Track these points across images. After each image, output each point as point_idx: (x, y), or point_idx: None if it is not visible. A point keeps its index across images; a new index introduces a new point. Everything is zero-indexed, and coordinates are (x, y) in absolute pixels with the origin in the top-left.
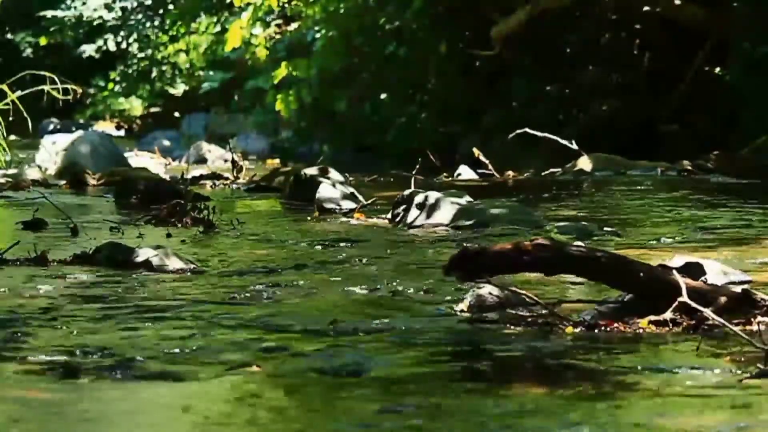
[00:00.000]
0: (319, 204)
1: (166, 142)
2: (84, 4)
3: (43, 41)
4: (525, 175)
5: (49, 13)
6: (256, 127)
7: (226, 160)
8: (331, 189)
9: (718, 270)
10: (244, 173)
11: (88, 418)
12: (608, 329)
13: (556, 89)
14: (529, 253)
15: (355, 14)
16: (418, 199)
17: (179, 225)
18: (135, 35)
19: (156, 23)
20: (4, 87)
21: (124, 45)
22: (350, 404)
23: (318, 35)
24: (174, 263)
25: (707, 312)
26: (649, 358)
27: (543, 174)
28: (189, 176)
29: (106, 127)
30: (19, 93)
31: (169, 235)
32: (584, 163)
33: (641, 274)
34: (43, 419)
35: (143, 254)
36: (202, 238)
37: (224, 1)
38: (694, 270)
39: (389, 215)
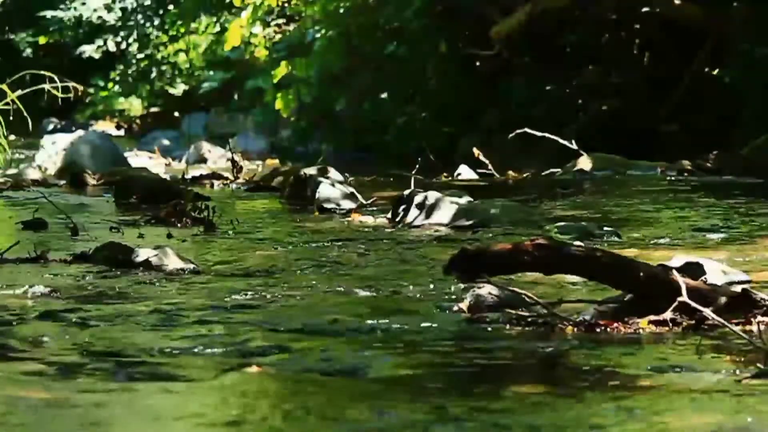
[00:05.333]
0: (319, 204)
1: (166, 142)
2: (84, 4)
3: (42, 41)
4: (525, 175)
5: (48, 14)
6: (256, 127)
7: (226, 160)
8: (330, 189)
9: (718, 270)
10: (244, 173)
11: (87, 418)
12: (608, 329)
13: (556, 89)
14: (528, 253)
15: (355, 14)
16: (418, 199)
17: (179, 225)
18: (135, 35)
19: (156, 23)
20: (4, 87)
21: (123, 45)
22: (350, 404)
23: (318, 35)
24: (174, 263)
25: (707, 312)
26: (649, 358)
27: (543, 174)
28: (189, 176)
29: (106, 127)
30: (19, 92)
31: (169, 236)
32: (584, 163)
33: (641, 274)
34: (43, 419)
35: (143, 254)
36: (202, 238)
37: (224, 1)
38: (694, 270)
39: (389, 215)
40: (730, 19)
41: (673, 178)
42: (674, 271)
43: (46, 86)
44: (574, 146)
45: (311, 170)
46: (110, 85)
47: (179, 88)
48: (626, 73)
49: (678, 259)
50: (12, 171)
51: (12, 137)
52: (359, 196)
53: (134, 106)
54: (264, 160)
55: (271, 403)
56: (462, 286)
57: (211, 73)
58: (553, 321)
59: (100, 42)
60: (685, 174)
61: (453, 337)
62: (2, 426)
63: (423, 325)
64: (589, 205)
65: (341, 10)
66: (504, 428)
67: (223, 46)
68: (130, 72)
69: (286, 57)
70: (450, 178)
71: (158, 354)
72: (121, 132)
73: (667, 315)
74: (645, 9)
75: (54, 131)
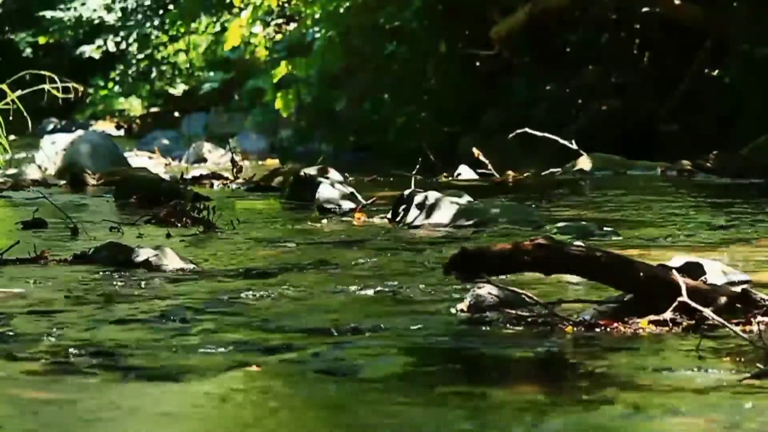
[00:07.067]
0: (319, 204)
1: (166, 142)
2: (84, 4)
3: (42, 41)
4: (525, 175)
5: (48, 14)
6: (256, 127)
7: (226, 160)
8: (330, 189)
9: (717, 270)
10: (244, 173)
11: (87, 418)
12: (608, 329)
13: (556, 89)
14: (528, 253)
15: (355, 14)
16: (418, 199)
17: (179, 225)
18: (135, 35)
19: (156, 23)
20: (4, 87)
21: (123, 45)
22: (350, 404)
23: (318, 35)
24: (174, 263)
25: (707, 312)
26: (649, 358)
27: (543, 174)
28: (189, 176)
29: (106, 127)
30: (19, 92)
31: (169, 236)
32: (584, 163)
33: (641, 274)
34: (43, 419)
35: (143, 254)
36: (202, 238)
37: (224, 1)
38: (694, 270)
39: (389, 215)
40: (730, 19)
41: (673, 179)
42: (674, 271)
43: (46, 86)
44: (574, 146)
45: (311, 170)
46: (110, 85)
47: (179, 88)
48: (626, 73)
49: (678, 259)
50: (12, 171)
51: (12, 137)
52: (359, 196)
53: (134, 106)
54: (264, 160)
55: (271, 403)
56: (462, 286)
57: (212, 73)
58: (553, 321)
59: (100, 42)
60: (685, 174)
61: (453, 337)
62: (2, 426)
63: (423, 325)
64: (589, 205)
65: (341, 10)
66: (504, 428)
67: (223, 46)
68: (130, 72)
69: (286, 57)
70: (450, 178)
71: (158, 354)
72: (121, 132)
73: (667, 315)
74: (645, 9)
75: (54, 131)
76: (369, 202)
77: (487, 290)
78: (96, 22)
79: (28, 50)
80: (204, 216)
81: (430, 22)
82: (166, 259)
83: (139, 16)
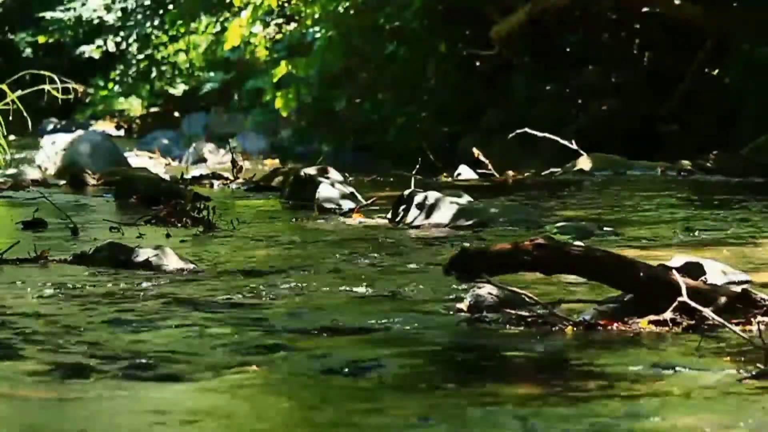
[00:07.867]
0: (319, 204)
1: (166, 142)
2: (84, 5)
3: (42, 40)
4: (525, 175)
5: (48, 14)
6: (256, 127)
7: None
8: (330, 189)
9: (717, 270)
10: (244, 173)
11: (87, 418)
12: (608, 329)
13: (555, 89)
14: (528, 252)
15: (355, 14)
16: (418, 198)
17: (179, 225)
18: (135, 35)
19: (156, 23)
20: (4, 87)
21: (123, 45)
22: (350, 404)
23: (318, 35)
24: (174, 263)
25: (707, 312)
26: (649, 358)
27: (543, 174)
28: (189, 176)
29: (106, 127)
30: (19, 93)
31: (168, 236)
32: (584, 163)
33: (641, 274)
34: (43, 419)
35: (143, 254)
36: (202, 238)
37: (224, 1)
38: (694, 270)
39: (389, 215)
40: (730, 19)
41: (673, 179)
42: (674, 271)
43: (46, 86)
44: (574, 146)
45: (311, 170)
46: (110, 85)
47: (179, 88)
48: (626, 73)
49: (678, 259)
50: (12, 171)
51: (12, 137)
52: (359, 196)
53: (134, 106)
54: (264, 160)
55: (271, 403)
56: (462, 286)
57: (212, 73)
58: (553, 321)
59: (100, 42)
60: (685, 174)
61: (453, 337)
62: (3, 426)
63: (423, 325)
64: (589, 205)
65: (341, 10)
66: (504, 428)
67: (223, 46)
68: (130, 72)
69: (286, 57)
70: (450, 178)
71: (158, 354)
72: (121, 132)
73: (667, 315)
74: (645, 9)
75: (54, 131)
76: (369, 202)
77: (487, 290)
78: (96, 22)
79: (28, 50)
80: (204, 216)
81: (430, 22)
82: (166, 259)
83: (139, 16)
